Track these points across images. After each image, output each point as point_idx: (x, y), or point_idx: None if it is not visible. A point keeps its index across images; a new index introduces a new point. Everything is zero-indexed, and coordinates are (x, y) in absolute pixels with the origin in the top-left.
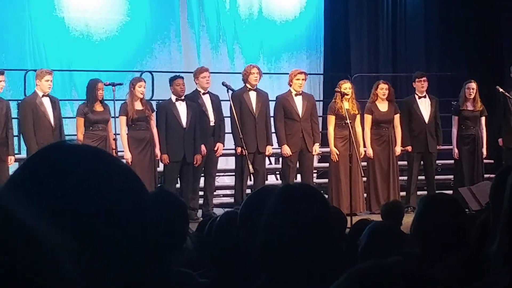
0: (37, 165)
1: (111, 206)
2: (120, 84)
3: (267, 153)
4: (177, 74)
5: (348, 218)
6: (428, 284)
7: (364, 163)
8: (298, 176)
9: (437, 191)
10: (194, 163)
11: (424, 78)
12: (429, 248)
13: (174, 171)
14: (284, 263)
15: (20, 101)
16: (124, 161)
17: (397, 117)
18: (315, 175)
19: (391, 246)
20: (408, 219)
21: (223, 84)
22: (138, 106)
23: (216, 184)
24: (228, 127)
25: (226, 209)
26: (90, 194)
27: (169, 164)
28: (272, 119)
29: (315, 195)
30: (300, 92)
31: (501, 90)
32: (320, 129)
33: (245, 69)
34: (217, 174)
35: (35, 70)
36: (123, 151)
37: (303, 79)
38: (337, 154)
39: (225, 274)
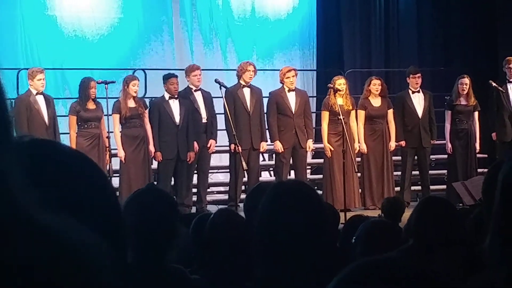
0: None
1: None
2: (113, 82)
3: (261, 149)
4: (172, 72)
5: (342, 214)
6: (432, 278)
7: (358, 159)
8: (292, 172)
9: (431, 186)
10: (187, 160)
11: (419, 75)
12: (425, 242)
13: (168, 169)
14: (278, 259)
15: (13, 99)
16: (118, 159)
17: (390, 112)
18: (309, 171)
19: (388, 243)
20: (406, 214)
21: (216, 81)
22: (131, 103)
23: (210, 181)
24: (221, 124)
25: (220, 206)
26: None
27: (163, 162)
28: (265, 115)
29: (307, 192)
30: (293, 88)
31: (494, 84)
32: (314, 125)
33: (240, 65)
34: (210, 171)
35: (27, 69)
36: (116, 149)
37: (293, 76)
38: (330, 150)
39: (220, 271)
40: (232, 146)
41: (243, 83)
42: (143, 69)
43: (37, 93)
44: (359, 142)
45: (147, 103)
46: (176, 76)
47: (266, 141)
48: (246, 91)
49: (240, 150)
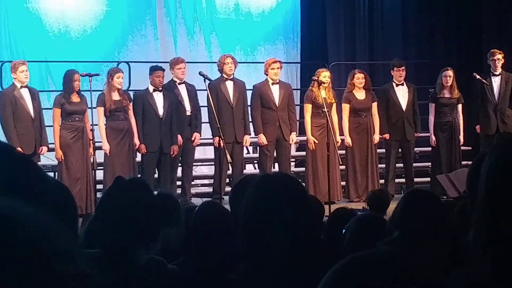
0: None
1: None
2: (97, 75)
3: (244, 142)
4: (159, 65)
5: (326, 207)
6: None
7: (342, 151)
8: (276, 165)
9: (415, 179)
10: (171, 153)
11: (403, 68)
12: (410, 235)
13: (152, 161)
14: (263, 252)
15: None
16: (102, 152)
17: (374, 105)
18: (293, 164)
19: (378, 237)
20: (391, 207)
21: (200, 74)
22: (116, 96)
23: (194, 174)
24: (205, 117)
25: (204, 199)
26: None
27: (147, 154)
28: (249, 108)
29: (292, 184)
30: (277, 81)
31: (478, 77)
32: (298, 118)
33: (219, 59)
34: (194, 164)
35: (11, 62)
36: (101, 142)
37: (278, 68)
38: (314, 142)
39: (205, 263)
40: (216, 139)
41: (225, 76)
42: (127, 62)
43: (21, 87)
44: (342, 135)
45: (131, 96)
46: (163, 70)
47: (250, 134)
48: (229, 84)
49: (224, 143)
